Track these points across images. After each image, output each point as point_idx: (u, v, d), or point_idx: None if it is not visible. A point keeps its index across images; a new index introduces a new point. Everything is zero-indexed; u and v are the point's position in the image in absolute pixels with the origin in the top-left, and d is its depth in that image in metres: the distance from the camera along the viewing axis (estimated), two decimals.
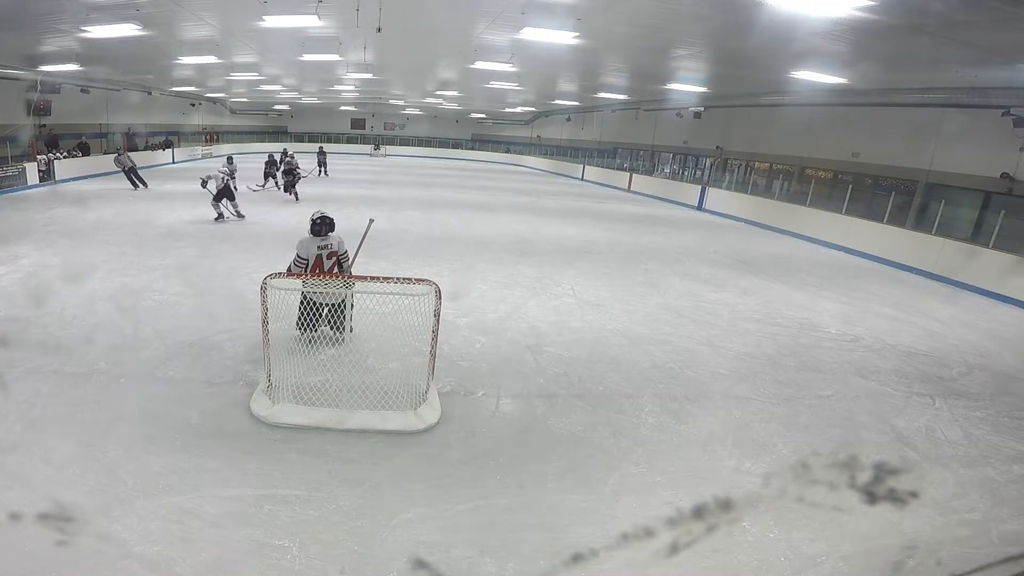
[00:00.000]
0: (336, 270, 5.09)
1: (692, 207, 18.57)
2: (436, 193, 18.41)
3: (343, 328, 5.03)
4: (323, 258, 5.02)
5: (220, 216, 10.96)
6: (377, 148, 35.72)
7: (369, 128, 37.88)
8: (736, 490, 3.40)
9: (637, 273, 9.03)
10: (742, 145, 18.33)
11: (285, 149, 23.45)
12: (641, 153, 24.51)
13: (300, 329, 4.79)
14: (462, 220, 13.26)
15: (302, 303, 4.64)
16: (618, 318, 6.61)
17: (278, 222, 11.41)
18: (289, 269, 5.09)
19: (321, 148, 22.47)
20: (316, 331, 4.93)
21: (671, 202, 19.66)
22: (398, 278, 3.97)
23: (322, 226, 5.02)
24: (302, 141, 32.42)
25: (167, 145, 23.73)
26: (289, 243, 9.27)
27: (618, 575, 2.50)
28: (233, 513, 2.92)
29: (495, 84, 17.69)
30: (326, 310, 4.97)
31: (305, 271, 4.96)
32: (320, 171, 20.66)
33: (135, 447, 3.42)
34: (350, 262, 5.32)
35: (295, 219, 11.70)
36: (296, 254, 5.03)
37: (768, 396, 4.77)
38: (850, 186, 13.30)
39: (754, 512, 3.09)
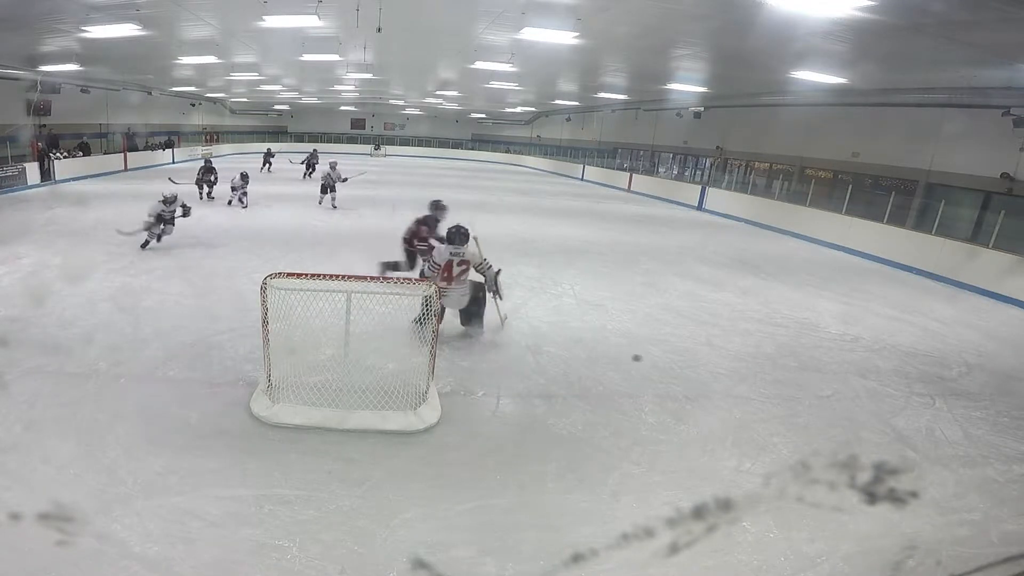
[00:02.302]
0: (463, 276, 5.41)
1: (692, 207, 18.56)
2: (436, 193, 18.34)
3: (475, 324, 5.58)
4: (453, 263, 5.34)
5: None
6: (377, 148, 35.66)
7: (369, 128, 37.84)
8: (736, 490, 3.40)
9: (637, 273, 9.02)
10: (742, 145, 18.32)
11: (268, 148, 23.54)
12: (641, 153, 24.50)
13: (415, 323, 4.99)
14: (462, 220, 13.17)
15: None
16: (618, 318, 6.60)
17: (278, 222, 11.40)
18: (422, 273, 5.90)
19: (269, 150, 22.46)
20: (425, 327, 4.77)
21: (671, 202, 19.65)
22: (398, 278, 3.97)
23: (456, 236, 5.39)
24: (302, 141, 32.41)
25: (168, 145, 23.77)
26: (288, 243, 9.38)
27: (618, 575, 2.51)
28: (233, 513, 2.92)
29: (495, 84, 17.67)
30: (459, 312, 5.53)
31: (438, 274, 5.31)
32: (265, 168, 20.83)
33: (135, 447, 3.41)
34: (493, 269, 5.65)
35: (295, 220, 11.73)
36: (432, 259, 5.43)
37: (768, 396, 4.77)
38: (850, 186, 13.29)
39: (754, 512, 3.08)
